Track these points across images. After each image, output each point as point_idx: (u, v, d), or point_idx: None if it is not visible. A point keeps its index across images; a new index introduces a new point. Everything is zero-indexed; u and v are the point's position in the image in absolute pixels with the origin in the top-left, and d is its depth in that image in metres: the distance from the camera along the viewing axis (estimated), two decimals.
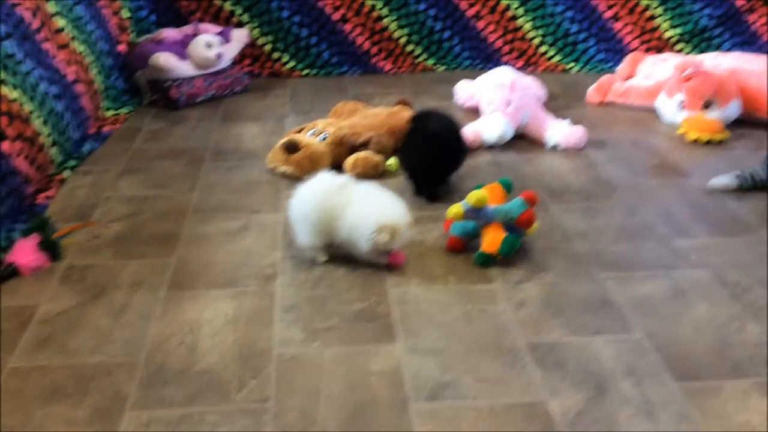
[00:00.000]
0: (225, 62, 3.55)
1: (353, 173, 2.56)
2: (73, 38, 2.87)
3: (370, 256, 2.05)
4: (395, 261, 2.07)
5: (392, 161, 2.67)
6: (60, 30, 2.77)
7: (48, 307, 1.89)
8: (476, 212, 2.09)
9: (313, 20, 3.85)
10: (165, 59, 3.29)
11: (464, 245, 2.16)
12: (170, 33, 3.46)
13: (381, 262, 2.07)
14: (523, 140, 2.99)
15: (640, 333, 1.79)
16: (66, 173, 2.64)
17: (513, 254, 2.09)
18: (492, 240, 2.08)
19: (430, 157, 2.44)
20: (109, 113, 3.25)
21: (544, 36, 4.01)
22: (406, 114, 2.89)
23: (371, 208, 2.02)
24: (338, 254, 2.12)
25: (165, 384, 1.62)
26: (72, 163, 2.72)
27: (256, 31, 3.84)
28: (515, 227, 2.11)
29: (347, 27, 3.89)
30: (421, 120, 2.51)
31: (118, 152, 2.88)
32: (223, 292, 1.96)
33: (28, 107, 2.37)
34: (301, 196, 2.08)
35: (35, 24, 2.54)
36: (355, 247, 2.04)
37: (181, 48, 3.40)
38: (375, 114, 2.89)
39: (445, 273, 2.06)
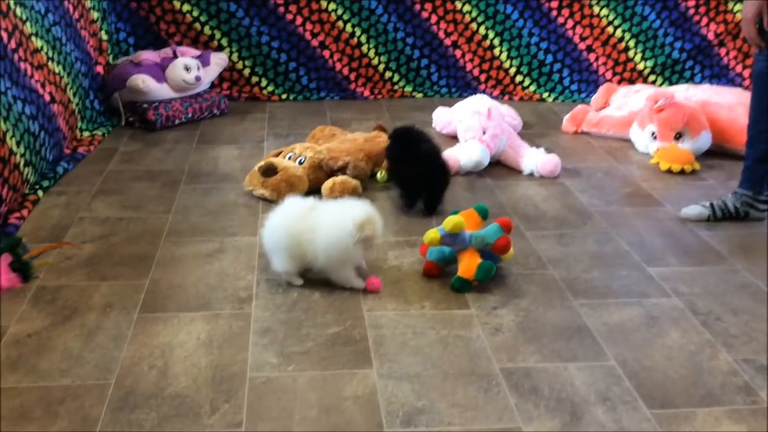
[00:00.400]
0: (203, 85, 3.55)
1: (331, 197, 2.57)
2: (50, 59, 2.86)
3: (347, 280, 2.06)
4: (372, 286, 2.07)
5: (382, 174, 2.76)
6: (37, 50, 2.75)
7: (18, 328, 1.86)
8: (452, 237, 2.10)
9: (292, 46, 3.87)
10: (143, 81, 3.28)
11: (440, 270, 2.17)
12: (148, 55, 3.46)
13: (358, 287, 2.07)
14: (499, 167, 3.03)
15: (613, 360, 1.81)
16: (39, 193, 2.61)
17: (489, 280, 2.10)
18: (468, 265, 2.09)
19: (429, 174, 2.56)
20: (86, 134, 3.23)
21: (519, 65, 4.08)
22: (382, 139, 2.91)
23: (341, 216, 2.01)
24: (315, 278, 2.11)
25: (135, 408, 1.59)
26: (46, 183, 2.69)
27: (235, 55, 3.85)
28: (491, 253, 2.12)
29: (326, 53, 3.92)
30: (406, 138, 2.57)
31: (93, 173, 2.86)
32: (197, 315, 1.94)
33: (2, 126, 2.35)
34: (271, 224, 2.08)
35: (12, 44, 2.53)
36: (338, 265, 2.04)
37: (159, 70, 3.40)
38: (353, 139, 2.90)
39: (421, 298, 2.06)
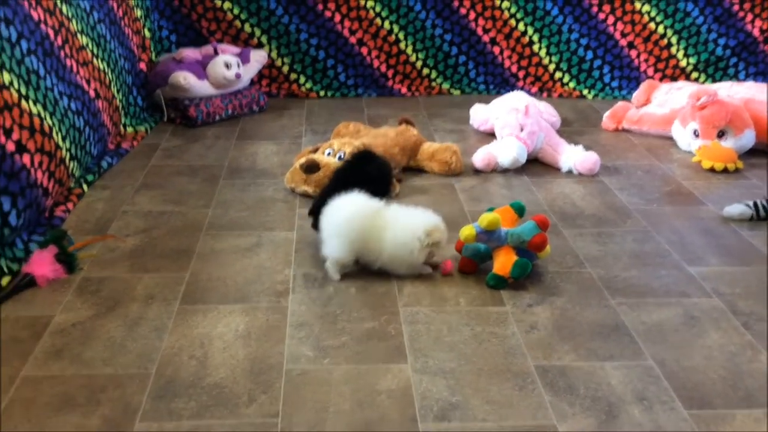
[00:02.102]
0: (243, 82, 3.60)
1: None
2: (95, 56, 2.93)
3: (415, 269, 2.13)
4: (446, 268, 2.14)
5: None
6: (83, 47, 2.82)
7: (62, 318, 1.91)
8: (488, 235, 2.09)
9: (330, 43, 3.90)
10: (184, 78, 3.34)
11: (476, 267, 2.17)
12: (190, 52, 3.52)
13: (425, 272, 2.15)
14: (536, 164, 3.01)
15: (651, 360, 1.79)
16: (84, 187, 2.68)
17: (524, 277, 2.09)
18: (504, 263, 2.08)
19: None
20: (129, 130, 3.30)
21: (559, 62, 4.04)
22: (412, 133, 2.94)
23: (411, 221, 2.11)
24: (351, 273, 2.13)
25: (175, 397, 1.63)
26: (90, 177, 2.76)
27: (274, 53, 3.89)
28: (527, 251, 2.12)
29: (364, 50, 3.94)
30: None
31: (135, 168, 2.92)
32: (235, 308, 1.97)
33: (49, 122, 2.41)
34: (341, 214, 2.12)
35: (58, 41, 2.60)
36: (401, 264, 2.11)
37: (200, 67, 3.45)
38: (384, 134, 2.93)
39: (456, 295, 2.06)
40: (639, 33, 3.99)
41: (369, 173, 2.49)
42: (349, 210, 2.12)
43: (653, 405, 1.63)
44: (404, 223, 2.10)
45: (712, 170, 2.98)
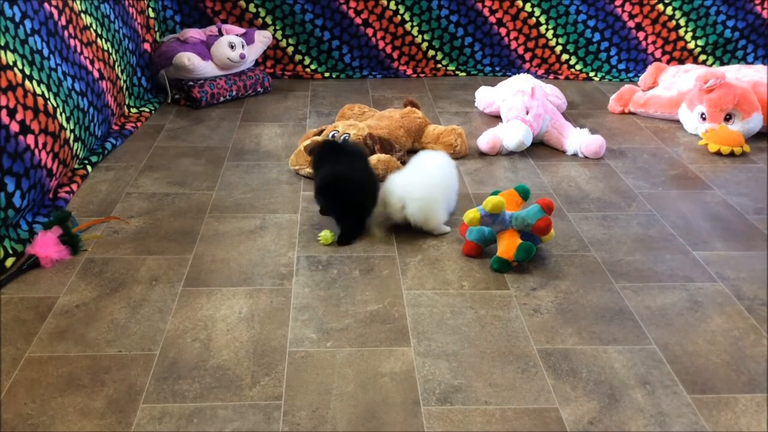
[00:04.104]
0: (248, 63, 3.58)
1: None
2: (99, 36, 2.91)
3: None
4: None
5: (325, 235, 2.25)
6: (86, 27, 2.81)
7: (67, 299, 1.92)
8: (492, 218, 2.09)
9: (335, 24, 3.87)
10: (188, 59, 3.32)
11: (480, 250, 2.17)
12: (194, 33, 3.50)
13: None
14: (542, 147, 2.99)
15: (654, 344, 1.78)
16: (88, 168, 2.68)
17: (529, 261, 2.09)
18: (508, 246, 2.08)
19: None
20: (133, 111, 3.29)
21: (566, 44, 4.01)
22: (417, 115, 2.92)
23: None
24: (355, 255, 2.13)
25: (179, 378, 1.64)
26: (94, 158, 2.75)
27: (279, 34, 3.87)
28: (531, 234, 2.11)
29: (369, 31, 3.91)
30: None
31: (140, 149, 2.92)
32: (239, 290, 1.97)
33: (53, 102, 2.41)
34: (442, 177, 2.33)
35: (62, 21, 2.58)
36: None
37: (204, 48, 3.44)
38: (389, 116, 2.91)
39: (460, 278, 2.06)
40: (647, 15, 3.94)
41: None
42: (445, 170, 2.37)
43: (656, 389, 1.63)
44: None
45: (718, 154, 2.96)
